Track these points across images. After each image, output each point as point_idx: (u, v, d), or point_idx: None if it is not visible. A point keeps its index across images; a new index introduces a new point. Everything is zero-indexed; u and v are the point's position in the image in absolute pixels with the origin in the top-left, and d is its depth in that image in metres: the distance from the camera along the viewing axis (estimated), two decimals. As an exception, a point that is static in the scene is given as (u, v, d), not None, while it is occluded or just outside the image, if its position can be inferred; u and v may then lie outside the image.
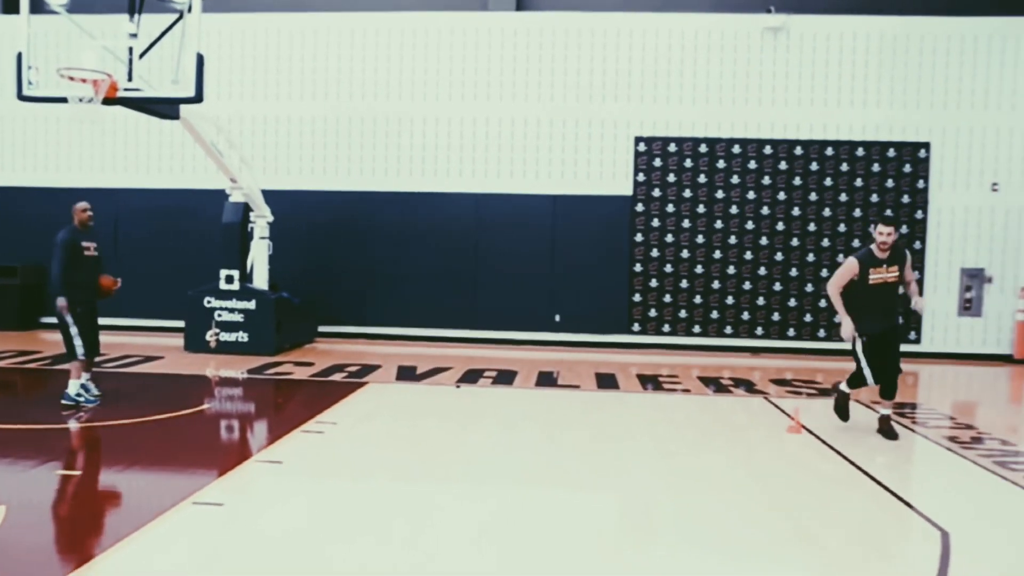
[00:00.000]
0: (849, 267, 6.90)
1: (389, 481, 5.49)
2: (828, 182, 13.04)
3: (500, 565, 4.06)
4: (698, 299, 13.25)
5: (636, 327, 13.30)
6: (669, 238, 13.21)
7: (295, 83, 13.54)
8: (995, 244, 13.00)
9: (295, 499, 5.06)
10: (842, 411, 7.49)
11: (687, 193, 13.17)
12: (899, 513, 5.15)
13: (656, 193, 13.19)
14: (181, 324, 11.70)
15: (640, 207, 13.21)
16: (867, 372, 7.07)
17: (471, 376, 10.01)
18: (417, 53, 13.34)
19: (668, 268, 13.24)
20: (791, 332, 13.20)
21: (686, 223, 13.20)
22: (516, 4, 13.48)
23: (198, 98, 8.60)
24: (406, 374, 10.07)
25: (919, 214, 13.01)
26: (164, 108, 9.08)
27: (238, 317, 11.15)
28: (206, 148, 10.30)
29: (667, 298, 13.26)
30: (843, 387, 7.46)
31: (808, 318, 13.16)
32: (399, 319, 13.40)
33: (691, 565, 4.16)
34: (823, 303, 13.06)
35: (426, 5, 13.56)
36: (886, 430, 7.17)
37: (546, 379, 10.02)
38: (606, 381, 9.99)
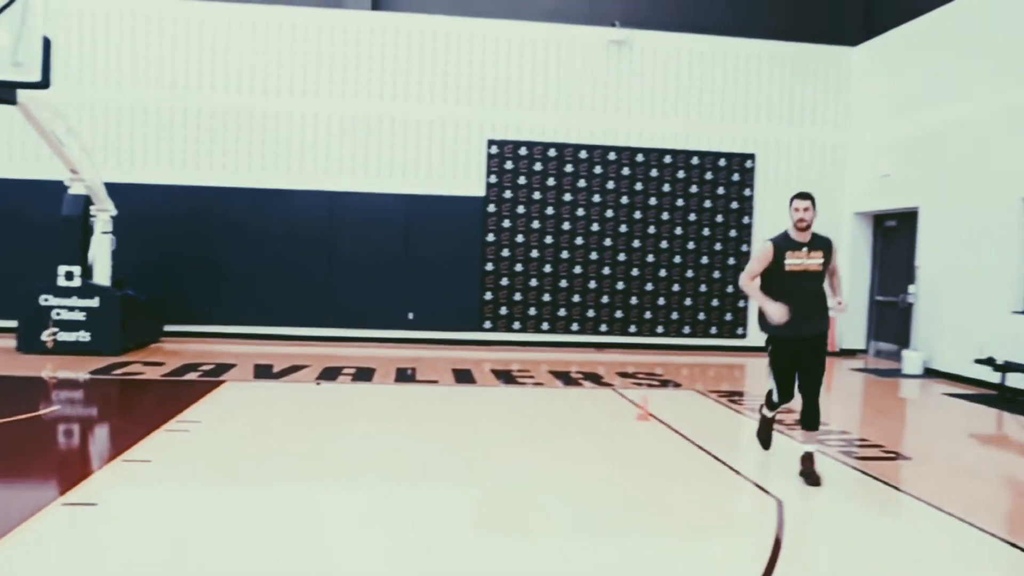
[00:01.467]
0: (762, 251, 5.77)
1: (267, 477, 5.55)
2: (667, 188, 13.96)
3: (387, 560, 4.27)
4: (547, 297, 13.83)
5: (488, 324, 13.71)
6: (519, 238, 13.71)
7: (143, 71, 12.98)
8: (810, 248, 14.33)
9: (171, 498, 5.03)
10: (763, 437, 6.48)
11: (537, 195, 13.71)
12: (740, 486, 5.77)
13: (507, 195, 13.65)
14: (13, 324, 11.00)
15: (492, 208, 13.63)
16: (773, 386, 6.08)
17: (330, 373, 10.06)
18: (271, 47, 13.14)
19: (518, 267, 13.73)
20: (632, 328, 14.03)
21: (536, 224, 13.74)
22: (372, 3, 13.54)
23: (44, 84, 8.19)
24: (263, 372, 9.98)
25: (746, 219, 14.18)
26: (1, 92, 8.56)
27: (79, 316, 10.62)
28: (46, 137, 9.77)
29: (517, 296, 13.75)
30: (764, 410, 6.43)
31: (648, 315, 14.03)
32: (252, 317, 13.15)
33: (569, 542, 4.53)
34: (661, 300, 13.99)
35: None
36: (807, 472, 5.76)
37: (404, 375, 10.22)
38: (463, 376, 10.31)
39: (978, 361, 10.00)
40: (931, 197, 12.09)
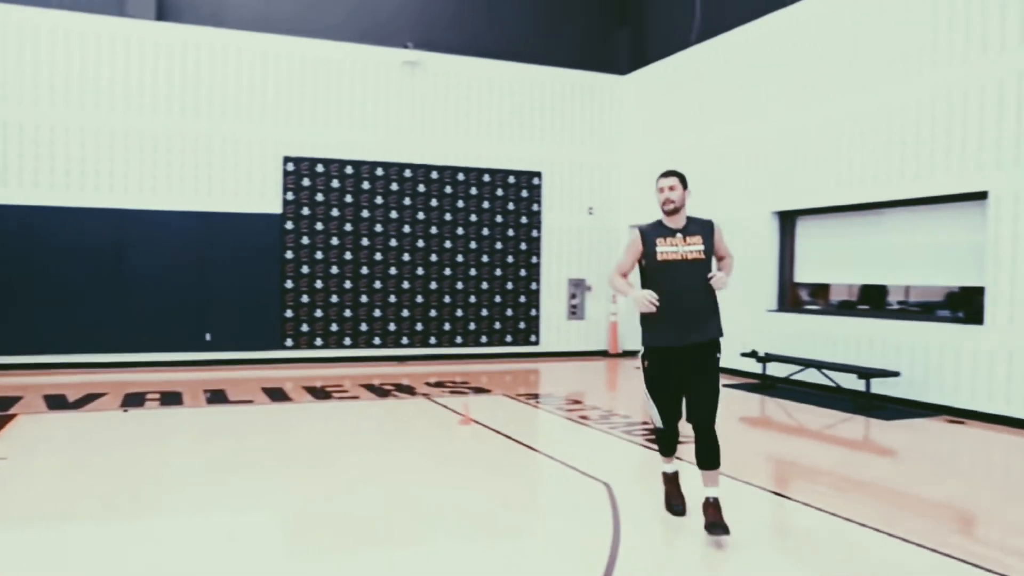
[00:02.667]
0: (630, 241, 4.93)
1: (96, 509, 5.39)
2: (460, 204, 14.57)
3: None
4: (348, 313, 13.94)
5: (289, 342, 13.59)
6: (319, 255, 13.72)
7: None
8: (592, 258, 15.57)
9: None
10: (671, 503, 5.15)
11: (335, 212, 13.80)
12: (570, 474, 6.37)
13: (305, 211, 13.63)
14: None
15: (290, 225, 13.54)
16: (652, 411, 5.00)
17: (134, 399, 9.61)
18: (47, 55, 12.23)
19: (318, 284, 13.73)
20: (433, 340, 14.48)
21: (335, 240, 13.82)
22: (156, 13, 13.01)
23: None
24: (57, 403, 9.34)
25: (535, 232, 15.12)
26: None
27: None
28: None
29: (318, 313, 13.75)
30: (664, 468, 5.23)
31: (447, 326, 14.55)
32: (28, 345, 12.12)
33: (430, 546, 4.87)
34: (459, 312, 14.56)
35: (59, 3, 12.48)
36: (713, 523, 4.60)
37: (217, 397, 9.98)
38: (276, 394, 10.24)
39: (743, 355, 11.43)
40: (696, 212, 13.57)
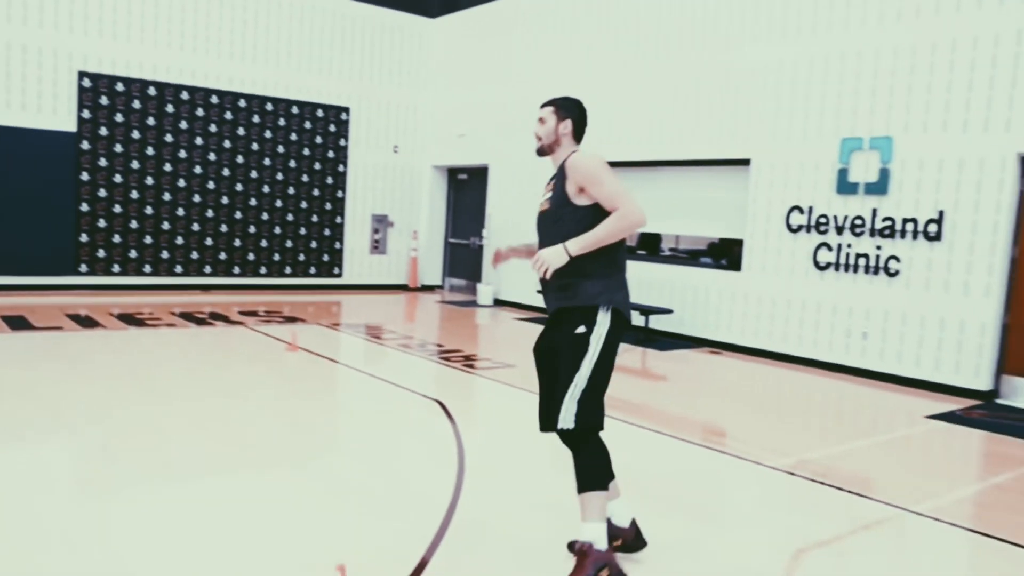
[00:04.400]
0: None
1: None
2: (268, 135, 14.56)
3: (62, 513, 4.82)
4: (148, 239, 13.62)
5: (84, 268, 13.09)
6: (118, 178, 13.24)
7: None
8: (395, 195, 16.17)
9: None
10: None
11: (136, 134, 13.33)
12: (403, 392, 7.16)
13: (103, 132, 13.06)
14: None
15: (86, 145, 12.93)
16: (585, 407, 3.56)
17: (-73, 324, 9.11)
18: None
19: (117, 208, 13.28)
20: (237, 270, 14.51)
21: (135, 164, 13.38)
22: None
23: None
24: None
25: (341, 167, 15.44)
26: None
27: None
28: None
29: (116, 238, 13.32)
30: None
31: (251, 257, 14.62)
32: None
33: (269, 472, 5.50)
34: (264, 243, 14.68)
35: None
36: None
37: (18, 322, 9.66)
38: (85, 321, 10.07)
39: (538, 292, 12.63)
40: (499, 156, 14.59)
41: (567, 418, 3.47)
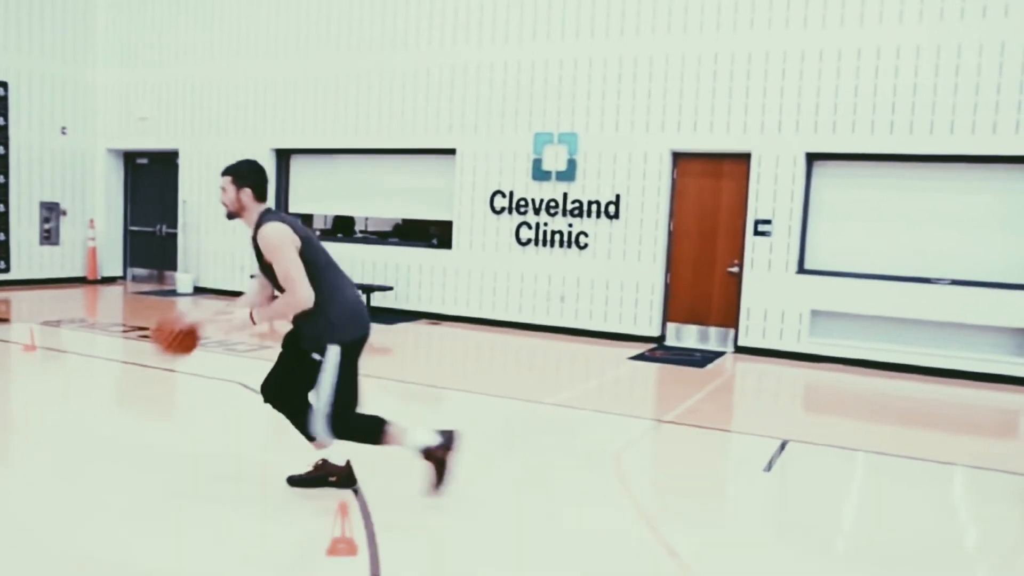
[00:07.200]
0: None
1: None
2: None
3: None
4: None
5: None
6: None
7: None
8: (67, 181, 14.98)
9: None
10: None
11: None
12: (178, 377, 7.33)
13: None
14: None
15: None
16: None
17: None
18: None
19: None
20: None
21: None
22: None
23: None
24: None
25: (1, 150, 13.95)
26: None
27: None
28: None
29: None
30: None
31: None
32: None
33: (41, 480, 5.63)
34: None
35: None
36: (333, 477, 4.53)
37: None
38: None
39: (252, 276, 12.82)
40: (190, 140, 14.28)
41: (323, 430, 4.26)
